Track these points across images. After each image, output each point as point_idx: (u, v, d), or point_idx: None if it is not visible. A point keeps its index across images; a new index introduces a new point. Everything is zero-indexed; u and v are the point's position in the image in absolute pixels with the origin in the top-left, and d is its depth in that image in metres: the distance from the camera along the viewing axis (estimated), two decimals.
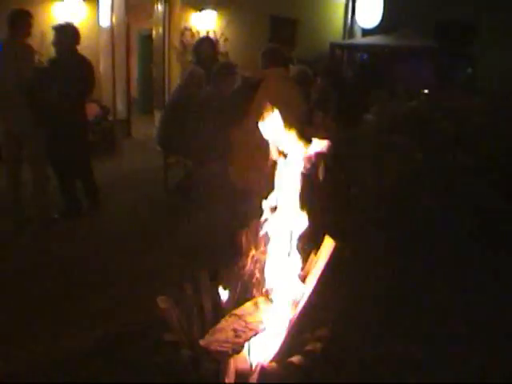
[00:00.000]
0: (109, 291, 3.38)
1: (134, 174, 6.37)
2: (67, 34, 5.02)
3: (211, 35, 9.88)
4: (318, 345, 1.65)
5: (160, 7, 10.06)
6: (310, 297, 1.67)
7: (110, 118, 8.90)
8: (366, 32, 11.61)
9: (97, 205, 5.48)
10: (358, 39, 11.82)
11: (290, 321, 1.68)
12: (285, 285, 1.71)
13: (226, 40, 10.09)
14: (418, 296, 3.49)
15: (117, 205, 5.56)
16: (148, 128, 9.45)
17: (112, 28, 9.43)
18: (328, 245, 1.71)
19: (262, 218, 1.81)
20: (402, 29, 11.20)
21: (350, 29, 11.76)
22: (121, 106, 9.87)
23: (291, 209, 1.80)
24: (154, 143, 6.18)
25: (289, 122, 3.73)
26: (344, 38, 11.82)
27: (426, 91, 8.44)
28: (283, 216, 1.78)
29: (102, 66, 9.29)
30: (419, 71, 9.53)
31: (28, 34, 4.76)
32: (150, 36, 11.03)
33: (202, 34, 9.86)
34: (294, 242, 1.77)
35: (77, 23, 7.58)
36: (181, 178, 5.83)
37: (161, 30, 10.20)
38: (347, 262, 3.86)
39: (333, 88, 5.14)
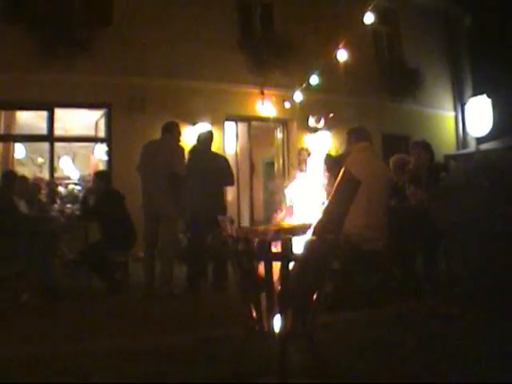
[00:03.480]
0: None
1: None
2: (206, 137, 6.18)
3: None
4: None
5: (279, 133, 11.34)
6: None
7: None
8: (480, 140, 11.81)
9: (220, 289, 5.82)
10: (471, 148, 12.01)
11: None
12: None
13: None
14: None
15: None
16: None
17: (236, 154, 10.75)
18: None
19: None
20: None
21: (463, 139, 12.10)
22: (246, 221, 10.83)
23: None
24: None
25: None
26: (458, 148, 12.13)
27: None
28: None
29: (228, 189, 10.47)
30: None
31: (179, 140, 5.88)
32: (272, 162, 12.17)
33: (317, 153, 10.81)
34: None
35: None
36: None
37: (280, 154, 11.35)
38: None
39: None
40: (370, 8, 5.99)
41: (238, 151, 10.87)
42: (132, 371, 2.79)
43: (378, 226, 4.66)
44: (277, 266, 2.02)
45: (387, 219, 4.80)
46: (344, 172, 2.19)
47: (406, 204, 5.23)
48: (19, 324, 4.27)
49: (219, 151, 9.71)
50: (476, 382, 2.55)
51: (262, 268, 2.02)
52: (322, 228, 2.08)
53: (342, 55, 7.33)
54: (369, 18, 6.11)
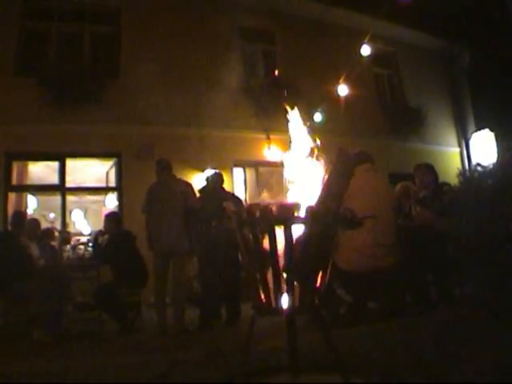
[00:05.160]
0: None
1: None
2: (215, 179, 6.34)
3: None
4: None
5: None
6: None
7: None
8: None
9: (232, 324, 5.76)
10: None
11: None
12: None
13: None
14: None
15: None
16: None
17: (246, 200, 10.76)
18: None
19: None
20: None
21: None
22: None
23: None
24: None
25: None
26: None
27: None
28: None
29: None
30: None
31: None
32: None
33: None
34: None
35: None
36: None
37: None
38: None
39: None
40: (366, 40, 6.20)
41: (248, 198, 10.92)
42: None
43: (386, 244, 4.66)
44: (281, 241, 2.05)
45: (396, 237, 4.82)
46: (339, 151, 2.25)
47: (412, 223, 5.22)
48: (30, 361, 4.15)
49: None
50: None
51: (266, 243, 2.05)
52: (322, 199, 2.12)
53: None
54: (365, 50, 6.31)
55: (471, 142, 12.39)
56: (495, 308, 3.81)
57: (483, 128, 11.92)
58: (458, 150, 12.85)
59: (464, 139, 12.80)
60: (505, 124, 10.27)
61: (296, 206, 2.04)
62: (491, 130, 11.53)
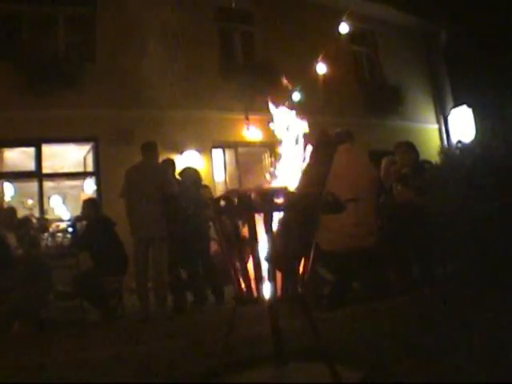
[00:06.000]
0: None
1: None
2: (191, 172, 6.28)
3: None
4: None
5: (267, 158, 11.36)
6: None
7: None
8: None
9: (220, 303, 5.94)
10: None
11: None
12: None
13: None
14: None
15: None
16: None
17: (226, 182, 10.78)
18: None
19: None
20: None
21: None
22: None
23: None
24: None
25: None
26: None
27: None
28: None
29: None
30: None
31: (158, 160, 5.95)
32: None
33: None
34: None
35: None
36: None
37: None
38: None
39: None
40: (344, 18, 6.10)
41: (227, 179, 10.86)
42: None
43: (367, 224, 4.66)
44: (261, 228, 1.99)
45: (376, 217, 4.82)
46: (321, 132, 2.19)
47: (393, 202, 5.22)
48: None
49: (208, 179, 9.82)
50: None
51: (245, 230, 2.00)
52: (303, 186, 2.07)
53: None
54: (344, 28, 6.22)
55: (449, 119, 12.50)
56: (477, 285, 3.83)
57: (461, 104, 12.02)
58: (436, 126, 12.93)
59: (442, 116, 12.91)
60: (482, 100, 10.35)
61: (277, 192, 1.98)
62: (469, 106, 11.62)
